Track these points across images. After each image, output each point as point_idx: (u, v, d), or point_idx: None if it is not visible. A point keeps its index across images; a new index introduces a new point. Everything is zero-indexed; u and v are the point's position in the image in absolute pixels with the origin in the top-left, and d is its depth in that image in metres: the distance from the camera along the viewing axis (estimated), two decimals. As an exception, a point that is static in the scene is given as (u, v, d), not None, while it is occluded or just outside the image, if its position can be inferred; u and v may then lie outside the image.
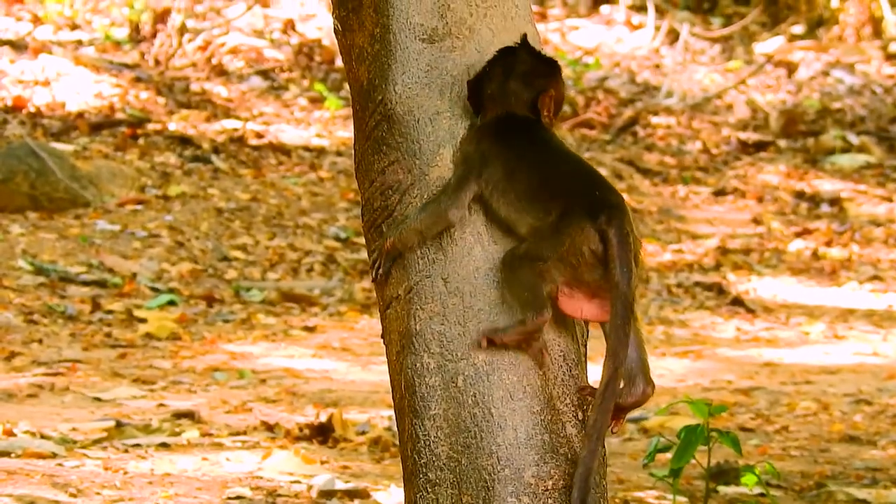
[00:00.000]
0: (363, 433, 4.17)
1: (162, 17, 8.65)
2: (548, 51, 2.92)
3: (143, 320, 5.31)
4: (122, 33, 8.73)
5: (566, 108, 7.49)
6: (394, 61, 2.80)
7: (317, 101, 8.01)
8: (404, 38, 2.82)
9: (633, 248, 2.80)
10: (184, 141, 7.13)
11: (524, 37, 2.94)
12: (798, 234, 6.63)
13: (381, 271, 2.80)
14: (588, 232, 2.74)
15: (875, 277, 6.32)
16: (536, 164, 2.88)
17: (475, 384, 2.60)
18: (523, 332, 2.68)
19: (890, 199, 7.24)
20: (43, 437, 3.97)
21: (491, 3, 2.87)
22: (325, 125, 7.67)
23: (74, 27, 8.90)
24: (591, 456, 2.65)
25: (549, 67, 2.98)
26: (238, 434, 4.08)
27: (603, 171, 6.95)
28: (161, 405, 4.39)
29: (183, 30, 8.48)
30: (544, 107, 2.94)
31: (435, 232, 2.81)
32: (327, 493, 3.60)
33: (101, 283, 5.60)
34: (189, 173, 6.75)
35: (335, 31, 2.86)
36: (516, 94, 2.90)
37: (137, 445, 3.92)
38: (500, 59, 2.91)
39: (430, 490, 2.62)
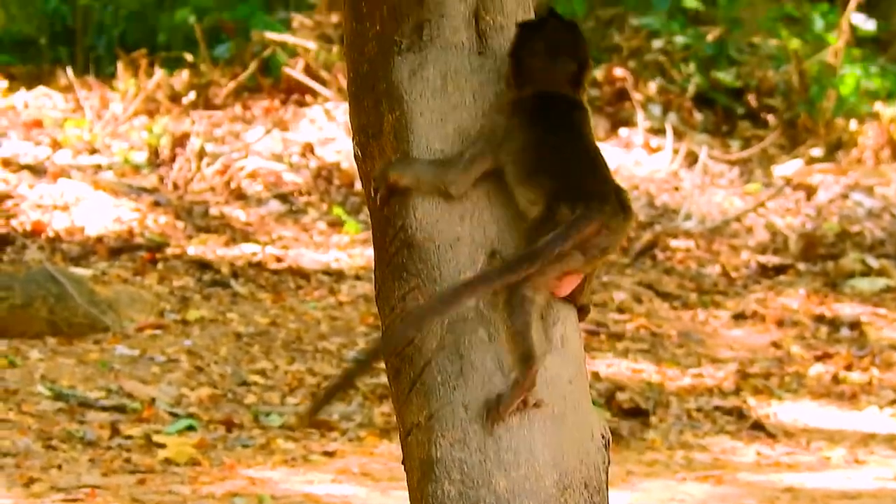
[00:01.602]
0: (383, 559, 4.27)
1: (181, 141, 8.86)
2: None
3: (162, 445, 5.40)
4: (141, 157, 8.93)
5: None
6: None
7: (335, 225, 8.17)
8: None
9: (602, 239, 2.83)
10: (202, 265, 7.28)
11: (551, 9, 3.02)
12: (818, 359, 6.72)
13: (378, 196, 2.86)
14: (563, 216, 2.79)
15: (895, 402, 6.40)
16: (550, 147, 2.91)
17: (497, 512, 2.70)
18: (521, 394, 2.74)
19: (910, 323, 7.34)
20: (64, 563, 4.07)
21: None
22: (344, 248, 7.82)
23: (93, 151, 9.10)
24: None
25: (581, 38, 3.06)
26: (259, 560, 4.17)
27: (621, 296, 7.14)
28: (181, 531, 4.49)
29: (202, 154, 8.67)
30: (586, 80, 3.02)
31: (430, 192, 2.87)
32: None
33: (121, 409, 5.71)
34: (208, 298, 6.89)
35: (355, 158, 2.96)
36: (562, 70, 2.96)
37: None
38: (537, 31, 2.97)
39: None
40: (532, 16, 3.01)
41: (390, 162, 2.89)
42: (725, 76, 10.22)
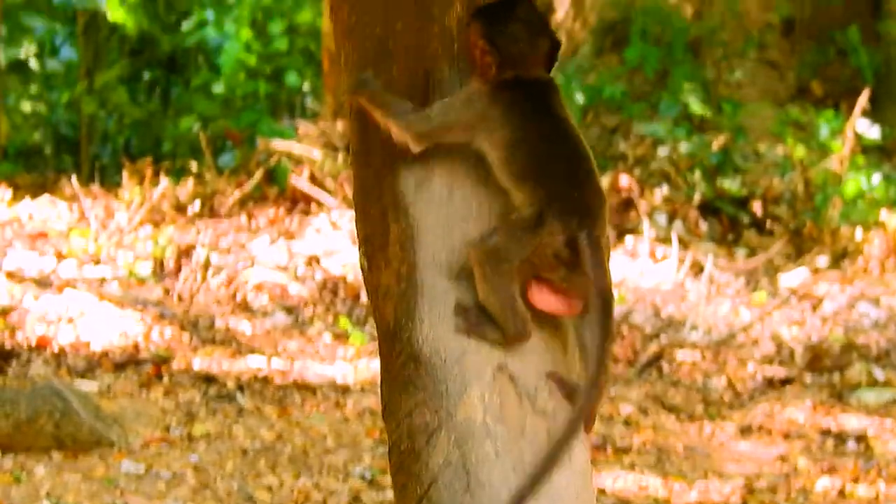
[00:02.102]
0: None
1: (186, 252, 9.02)
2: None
3: (168, 562, 5.52)
4: (146, 268, 9.08)
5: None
6: (420, 299, 2.87)
7: (341, 337, 8.29)
8: (431, 277, 2.90)
9: (606, 250, 2.92)
10: (208, 379, 7.40)
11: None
12: (824, 472, 6.81)
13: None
14: (556, 238, 2.88)
15: (902, 516, 6.48)
16: (537, 140, 2.97)
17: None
18: (507, 345, 2.89)
19: (918, 434, 7.42)
20: None
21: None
22: (350, 361, 7.93)
23: (98, 262, 9.26)
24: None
25: (548, 22, 3.15)
26: None
27: (628, 409, 7.24)
28: None
29: (207, 265, 8.82)
30: (555, 60, 3.07)
31: (394, 130, 2.95)
32: None
33: (126, 526, 5.82)
34: (214, 412, 7.00)
35: (361, 268, 3.01)
36: (537, 51, 3.02)
37: None
38: (510, 15, 3.02)
39: None
40: None
41: (364, 79, 2.99)
42: (731, 184, 10.38)
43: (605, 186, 10.27)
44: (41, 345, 7.77)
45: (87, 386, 7.21)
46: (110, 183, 11.41)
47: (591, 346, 2.88)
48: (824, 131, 10.72)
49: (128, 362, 7.63)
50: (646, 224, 9.98)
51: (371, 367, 7.60)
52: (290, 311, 8.69)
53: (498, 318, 2.90)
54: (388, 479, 2.72)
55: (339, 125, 11.62)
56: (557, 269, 2.91)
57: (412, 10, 3.02)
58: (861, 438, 7.20)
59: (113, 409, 6.87)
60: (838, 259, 9.73)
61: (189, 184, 11.01)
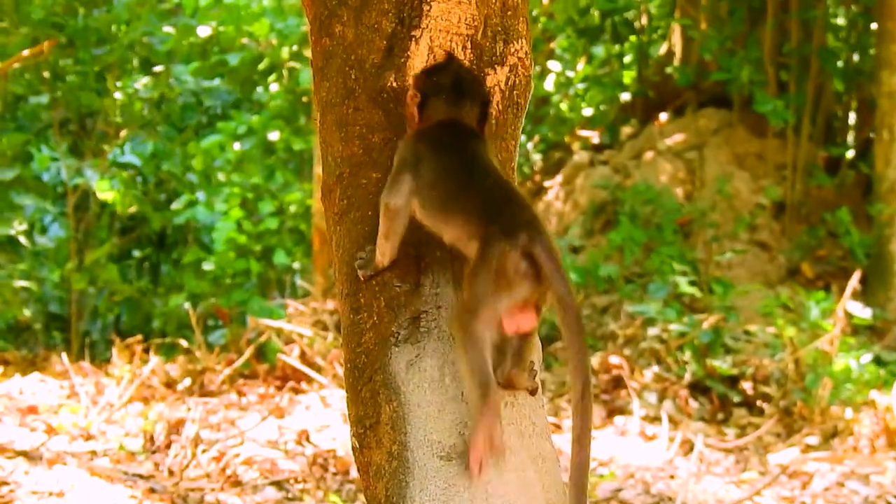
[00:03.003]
0: None
1: (176, 427, 9.32)
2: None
3: None
4: (136, 444, 9.39)
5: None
6: (412, 479, 2.95)
7: (331, 512, 8.59)
8: (423, 457, 2.99)
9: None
10: (199, 555, 7.69)
11: (450, 54, 3.33)
12: None
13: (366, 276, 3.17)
14: (511, 255, 3.01)
15: None
16: (457, 174, 3.15)
17: None
18: (486, 422, 2.99)
19: None
20: None
21: (507, 420, 3.07)
22: (340, 536, 8.20)
23: (89, 437, 9.56)
24: (585, 464, 2.95)
25: (480, 80, 3.35)
26: None
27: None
28: None
29: (197, 441, 9.11)
30: (489, 118, 3.30)
31: (390, 228, 3.14)
32: None
33: None
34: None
35: (353, 449, 3.11)
36: (467, 110, 3.26)
37: None
38: (441, 72, 3.28)
39: None
40: None
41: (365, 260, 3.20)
42: (721, 364, 10.76)
43: (595, 365, 10.69)
44: (31, 519, 8.04)
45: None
46: (100, 360, 11.74)
47: (572, 352, 3.00)
48: (815, 312, 11.11)
49: (118, 536, 7.89)
50: (636, 403, 10.33)
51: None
52: (279, 485, 8.97)
53: (471, 383, 3.00)
54: None
55: (330, 304, 11.99)
56: (524, 285, 3.02)
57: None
58: None
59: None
60: (828, 438, 10.05)
61: (179, 361, 11.34)
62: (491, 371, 3.00)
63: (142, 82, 15.95)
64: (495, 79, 3.45)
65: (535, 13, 14.46)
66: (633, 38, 14.79)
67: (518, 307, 3.07)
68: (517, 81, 3.49)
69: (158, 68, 16.13)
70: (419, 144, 3.24)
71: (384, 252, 3.18)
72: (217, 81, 16.16)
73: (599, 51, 15.31)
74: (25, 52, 13.47)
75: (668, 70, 14.43)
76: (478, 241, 3.06)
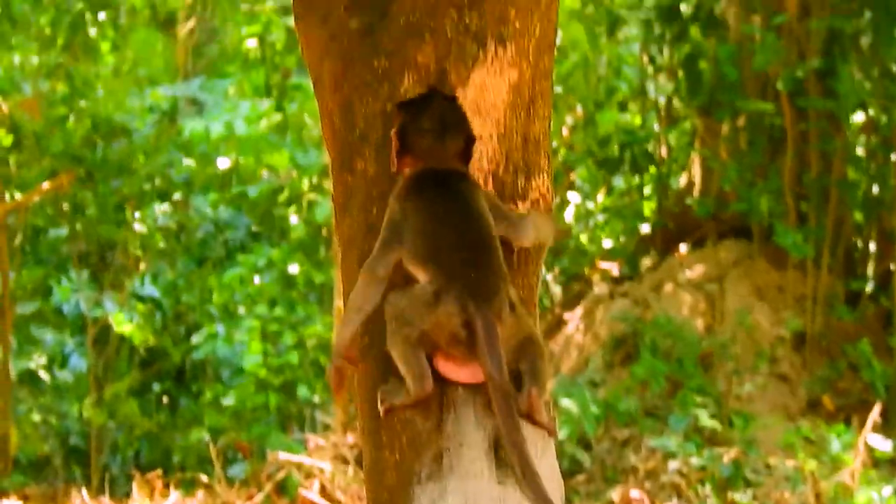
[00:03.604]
0: None
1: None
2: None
3: None
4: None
5: None
6: None
7: None
8: None
9: (513, 330, 3.15)
10: None
11: (433, 87, 3.37)
12: None
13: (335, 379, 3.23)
14: (453, 318, 3.13)
15: None
16: (438, 225, 3.23)
17: None
18: (409, 402, 3.16)
19: None
20: None
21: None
22: None
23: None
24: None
25: (464, 113, 3.36)
26: None
27: None
28: None
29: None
30: (473, 153, 3.34)
31: (367, 299, 3.22)
32: None
33: None
34: None
35: None
36: (451, 146, 3.30)
37: None
38: (422, 109, 3.31)
39: None
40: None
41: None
42: (742, 497, 11.02)
43: (615, 499, 10.98)
44: None
45: None
46: (120, 494, 11.98)
47: (503, 435, 3.10)
48: (836, 445, 11.35)
49: None
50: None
51: None
52: None
53: (401, 371, 3.20)
54: None
55: (350, 438, 12.26)
56: (457, 347, 3.15)
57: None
58: None
59: None
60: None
61: (199, 495, 11.58)
62: (425, 366, 3.18)
63: (160, 210, 16.46)
64: None
65: (554, 144, 14.95)
66: (652, 169, 15.23)
67: (453, 358, 3.21)
68: None
69: (177, 198, 16.66)
70: (406, 203, 3.31)
71: (349, 325, 3.27)
72: (230, 211, 16.64)
73: (619, 182, 15.75)
74: (45, 185, 14.01)
75: (688, 201, 14.84)
76: (434, 288, 3.19)
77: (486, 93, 3.49)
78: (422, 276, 3.23)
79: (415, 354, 3.18)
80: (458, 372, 3.19)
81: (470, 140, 3.36)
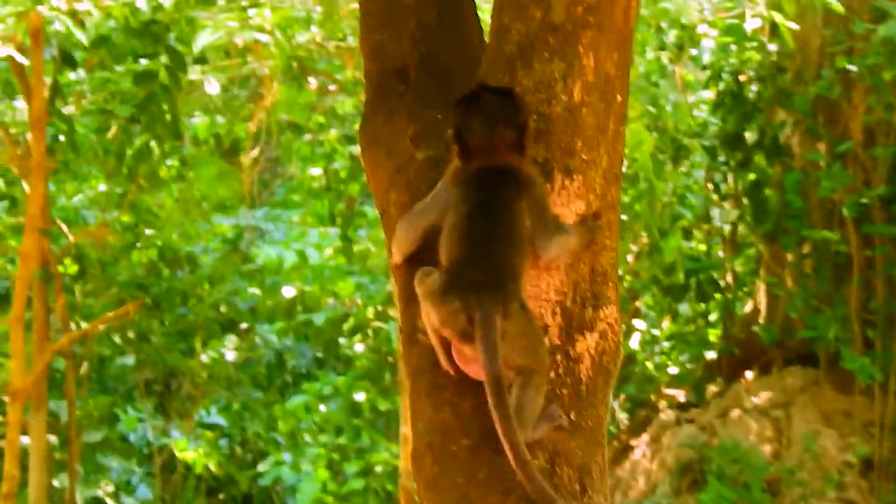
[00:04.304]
0: None
1: None
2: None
3: None
4: None
5: None
6: None
7: None
8: None
9: (521, 329, 3.29)
10: None
11: (482, 83, 3.50)
12: None
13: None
14: (459, 315, 3.32)
15: None
16: (465, 221, 3.40)
17: None
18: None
19: None
20: None
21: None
22: None
23: None
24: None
25: (516, 104, 3.45)
26: None
27: None
28: None
29: None
30: (527, 144, 3.44)
31: (411, 229, 3.48)
32: None
33: None
34: None
35: None
36: (500, 140, 3.41)
37: None
38: (472, 106, 3.44)
39: None
40: None
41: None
42: None
43: None
44: None
45: None
46: None
47: (496, 425, 3.26)
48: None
49: None
50: None
51: None
52: None
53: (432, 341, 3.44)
54: None
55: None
56: (466, 343, 3.34)
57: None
58: None
59: None
60: None
61: None
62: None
63: (228, 342, 17.01)
64: (585, 345, 3.54)
65: (620, 272, 15.39)
66: (718, 296, 15.59)
67: (466, 351, 3.40)
68: (607, 347, 3.59)
69: (243, 328, 17.22)
70: (453, 190, 3.48)
71: (405, 233, 3.52)
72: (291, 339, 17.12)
73: (685, 309, 16.12)
74: (111, 314, 14.64)
75: (754, 328, 15.19)
76: (442, 280, 3.40)
77: (553, 223, 3.55)
78: (442, 260, 3.43)
79: (436, 335, 3.43)
80: (469, 367, 3.37)
81: (522, 130, 3.44)
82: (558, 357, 3.54)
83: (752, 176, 14.89)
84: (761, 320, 15.38)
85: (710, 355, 15.79)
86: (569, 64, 3.59)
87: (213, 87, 13.82)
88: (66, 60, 12.08)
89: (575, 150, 3.58)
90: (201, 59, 12.90)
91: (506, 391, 3.26)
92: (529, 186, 3.41)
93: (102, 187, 15.23)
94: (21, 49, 11.61)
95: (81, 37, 10.96)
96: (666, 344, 16.17)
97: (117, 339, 16.51)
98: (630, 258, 16.13)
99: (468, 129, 3.44)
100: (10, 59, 11.76)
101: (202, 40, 11.46)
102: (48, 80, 11.95)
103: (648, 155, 13.76)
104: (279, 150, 19.56)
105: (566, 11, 3.57)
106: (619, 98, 3.67)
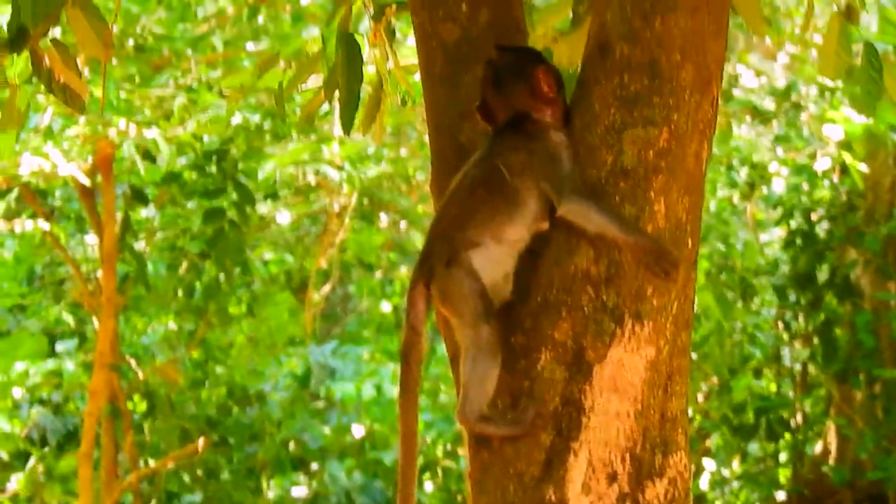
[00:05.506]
0: None
1: None
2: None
3: None
4: None
5: None
6: None
7: None
8: None
9: (451, 287, 3.34)
10: None
11: (498, 48, 3.49)
12: None
13: None
14: (419, 289, 3.42)
15: None
16: (457, 179, 3.44)
17: None
18: None
19: None
20: None
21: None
22: None
23: None
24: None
25: (529, 54, 3.47)
26: None
27: None
28: None
29: None
30: (543, 84, 3.39)
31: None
32: None
33: None
34: None
35: None
36: (513, 92, 3.40)
37: None
38: (487, 67, 3.43)
39: None
40: None
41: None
42: None
43: None
44: None
45: None
46: None
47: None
48: None
49: None
50: None
51: None
52: None
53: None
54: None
55: None
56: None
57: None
58: None
59: None
60: None
61: None
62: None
63: (295, 477, 16.95)
64: (654, 492, 3.52)
65: (689, 411, 15.31)
66: (788, 436, 15.48)
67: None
68: (676, 495, 3.56)
69: (313, 467, 17.16)
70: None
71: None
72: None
73: (754, 448, 15.99)
74: (179, 451, 14.63)
75: (824, 469, 15.04)
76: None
77: (623, 370, 3.54)
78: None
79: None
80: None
81: (533, 80, 3.41)
82: (627, 504, 3.47)
83: (822, 315, 14.79)
84: (831, 461, 15.23)
85: (780, 496, 15.63)
86: (639, 209, 3.57)
87: (284, 216, 13.88)
88: (137, 196, 12.19)
89: (645, 296, 3.56)
90: (273, 195, 12.98)
91: (411, 366, 3.40)
92: (536, 136, 3.38)
93: (172, 324, 15.28)
94: (90, 175, 11.69)
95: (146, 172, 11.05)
96: (736, 484, 16.02)
97: (185, 476, 16.49)
98: (700, 397, 16.03)
99: (483, 91, 3.44)
100: (81, 193, 11.88)
101: (267, 168, 11.53)
102: (119, 216, 12.05)
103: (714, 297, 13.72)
104: (350, 285, 19.64)
105: (637, 156, 3.54)
106: (689, 243, 3.64)
